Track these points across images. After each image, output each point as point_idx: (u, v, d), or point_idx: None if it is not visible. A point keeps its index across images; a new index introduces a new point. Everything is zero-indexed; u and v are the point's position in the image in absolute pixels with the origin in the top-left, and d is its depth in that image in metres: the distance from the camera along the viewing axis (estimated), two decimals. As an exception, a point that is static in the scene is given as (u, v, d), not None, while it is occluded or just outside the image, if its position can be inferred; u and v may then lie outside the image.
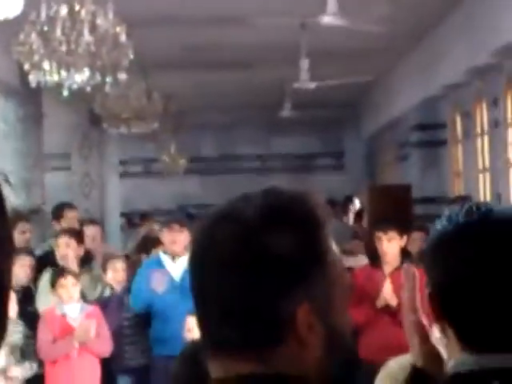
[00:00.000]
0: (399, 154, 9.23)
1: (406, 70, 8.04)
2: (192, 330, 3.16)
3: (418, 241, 4.39)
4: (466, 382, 0.98)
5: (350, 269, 4.00)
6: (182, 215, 5.71)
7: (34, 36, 3.82)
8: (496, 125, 6.00)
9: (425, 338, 1.01)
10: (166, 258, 4.06)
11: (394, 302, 3.78)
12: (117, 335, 3.90)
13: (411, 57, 7.68)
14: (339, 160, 11.46)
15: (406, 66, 8.03)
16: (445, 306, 0.95)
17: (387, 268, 3.91)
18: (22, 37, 3.88)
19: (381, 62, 8.06)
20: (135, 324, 4.03)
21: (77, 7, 3.80)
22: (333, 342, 0.71)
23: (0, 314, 0.52)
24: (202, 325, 0.76)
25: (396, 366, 1.83)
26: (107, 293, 4.16)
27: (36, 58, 3.87)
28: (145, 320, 4.03)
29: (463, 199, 4.95)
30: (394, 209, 6.02)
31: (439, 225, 1.00)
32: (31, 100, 7.03)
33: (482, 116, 6.59)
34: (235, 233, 0.70)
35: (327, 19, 4.07)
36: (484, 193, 6.52)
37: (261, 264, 0.67)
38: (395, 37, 6.45)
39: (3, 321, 0.53)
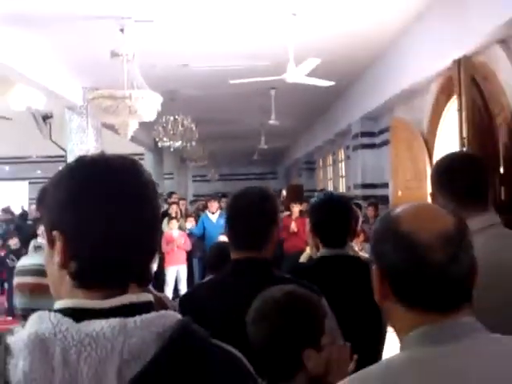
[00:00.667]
0: (298, 172, 18.00)
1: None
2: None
3: (306, 205, 10.22)
4: (324, 260, 1.94)
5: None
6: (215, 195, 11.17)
7: (160, 128, 9.76)
8: (348, 156, 12.09)
9: (316, 244, 1.95)
10: (209, 213, 9.62)
11: (296, 230, 9.38)
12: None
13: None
14: (275, 174, 22.57)
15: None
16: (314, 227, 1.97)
17: (294, 216, 9.59)
18: (155, 128, 9.82)
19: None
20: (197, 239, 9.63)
21: (177, 117, 9.80)
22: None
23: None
24: (230, 237, 1.58)
25: (305, 255, 3.61)
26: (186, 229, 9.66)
27: (161, 136, 9.80)
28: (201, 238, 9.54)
29: (322, 190, 11.13)
30: (296, 194, 12.24)
31: (315, 199, 2.17)
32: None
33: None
34: (249, 197, 1.55)
35: (272, 122, 10.10)
36: (331, 188, 12.77)
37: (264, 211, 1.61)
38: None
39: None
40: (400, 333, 0.96)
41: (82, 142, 8.33)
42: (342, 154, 12.57)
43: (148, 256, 0.82)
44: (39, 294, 1.51)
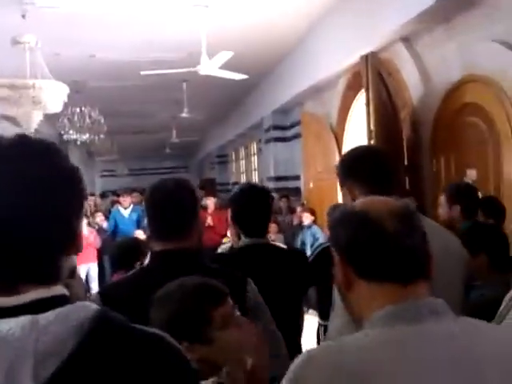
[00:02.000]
0: (211, 166, 17.93)
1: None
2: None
3: (218, 199, 10.31)
4: (246, 249, 2.02)
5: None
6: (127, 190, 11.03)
7: (65, 121, 9.36)
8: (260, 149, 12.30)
9: (237, 233, 2.10)
10: (121, 209, 9.35)
11: (211, 223, 9.47)
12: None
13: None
14: (187, 168, 22.21)
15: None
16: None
17: (210, 210, 9.63)
18: (60, 120, 9.39)
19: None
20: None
21: (84, 109, 9.43)
22: None
23: None
24: (151, 229, 1.60)
25: (223, 247, 3.66)
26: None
27: (66, 129, 9.40)
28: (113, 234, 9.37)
29: (235, 183, 11.29)
30: (209, 188, 12.33)
31: (235, 189, 2.22)
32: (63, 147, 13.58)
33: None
34: (166, 187, 1.61)
35: (184, 115, 10.01)
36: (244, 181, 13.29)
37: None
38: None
39: None
40: (364, 311, 0.99)
41: (-21, 134, 7.78)
42: (254, 148, 12.71)
43: (48, 251, 0.75)
44: None
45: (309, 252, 3.99)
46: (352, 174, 1.78)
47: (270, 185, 9.48)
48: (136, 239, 3.84)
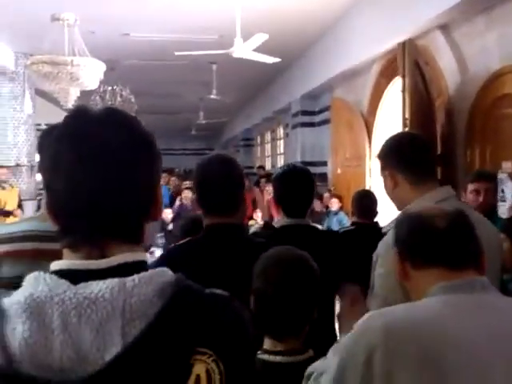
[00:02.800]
0: (236, 149, 17.75)
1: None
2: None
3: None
4: (285, 229, 2.04)
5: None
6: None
7: (98, 98, 9.45)
8: (287, 134, 12.21)
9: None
10: None
11: None
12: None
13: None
14: (211, 150, 20.41)
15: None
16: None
17: None
18: (92, 98, 9.49)
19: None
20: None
21: (116, 88, 9.50)
22: None
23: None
24: (202, 204, 1.67)
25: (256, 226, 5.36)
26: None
27: (98, 107, 9.52)
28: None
29: (260, 167, 11.28)
30: None
31: (278, 170, 2.25)
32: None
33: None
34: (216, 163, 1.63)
35: (212, 97, 10.01)
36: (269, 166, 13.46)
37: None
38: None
39: None
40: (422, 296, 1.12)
41: (14, 109, 7.93)
42: (280, 132, 12.70)
43: (136, 215, 0.79)
44: (40, 259, 1.45)
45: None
46: (395, 159, 1.76)
47: (296, 170, 9.51)
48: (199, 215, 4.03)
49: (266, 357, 1.28)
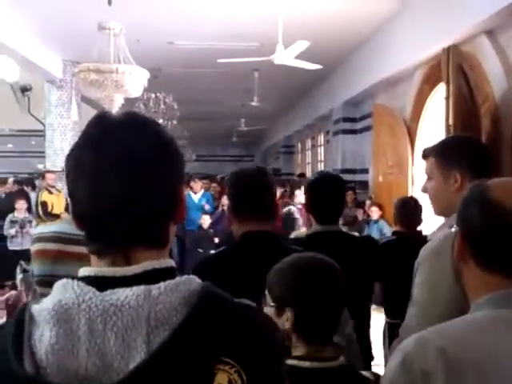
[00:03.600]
0: (276, 156, 18.16)
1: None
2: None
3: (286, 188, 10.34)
4: (317, 235, 2.07)
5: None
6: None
7: (141, 105, 9.65)
8: (328, 141, 12.19)
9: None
10: (191, 193, 9.47)
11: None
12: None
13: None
14: (251, 157, 21.94)
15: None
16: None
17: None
18: (136, 105, 9.70)
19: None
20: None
21: (159, 95, 9.68)
22: None
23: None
24: (236, 212, 1.67)
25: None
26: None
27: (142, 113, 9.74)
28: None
29: (300, 174, 11.23)
30: (276, 178, 12.47)
31: (311, 178, 3.15)
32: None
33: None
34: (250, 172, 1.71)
35: (254, 104, 10.09)
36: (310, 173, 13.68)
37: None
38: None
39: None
40: (472, 294, 1.00)
41: (61, 116, 8.18)
42: (321, 139, 12.65)
43: (161, 218, 0.79)
44: (62, 260, 1.50)
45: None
46: (454, 159, 1.68)
47: (337, 177, 9.43)
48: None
49: (295, 362, 1.26)
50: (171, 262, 0.79)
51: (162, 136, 0.80)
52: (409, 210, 3.63)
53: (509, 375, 0.87)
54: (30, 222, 7.17)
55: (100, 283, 0.74)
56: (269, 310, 1.30)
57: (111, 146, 0.76)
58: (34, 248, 1.61)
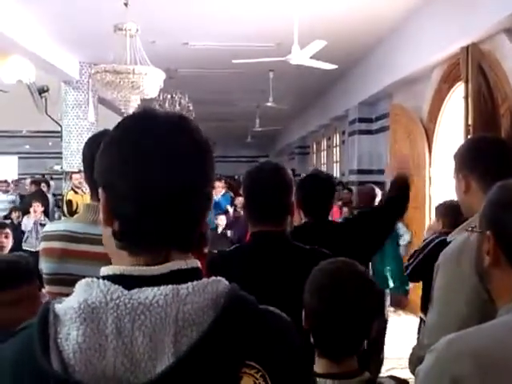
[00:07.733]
0: (291, 156, 18.07)
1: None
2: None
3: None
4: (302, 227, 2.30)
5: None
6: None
7: (157, 106, 9.69)
8: (343, 141, 12.13)
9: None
10: None
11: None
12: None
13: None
14: (266, 158, 20.67)
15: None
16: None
17: None
18: (152, 105, 9.74)
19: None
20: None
21: (174, 96, 9.72)
22: None
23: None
24: (250, 212, 1.70)
25: None
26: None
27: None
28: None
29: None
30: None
31: (303, 175, 3.09)
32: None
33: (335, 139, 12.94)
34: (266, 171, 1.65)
35: (269, 104, 10.05)
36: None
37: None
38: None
39: None
40: (506, 297, 0.97)
41: (78, 117, 8.24)
42: (336, 139, 12.58)
43: (187, 222, 0.77)
44: (67, 259, 1.51)
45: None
46: (471, 164, 1.64)
47: (353, 178, 9.36)
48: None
49: (317, 380, 1.20)
50: (197, 263, 0.78)
51: (203, 139, 0.80)
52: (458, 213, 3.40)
53: None
54: (43, 225, 7.26)
55: (126, 282, 0.72)
56: None
57: (158, 144, 0.74)
58: (41, 246, 1.62)
